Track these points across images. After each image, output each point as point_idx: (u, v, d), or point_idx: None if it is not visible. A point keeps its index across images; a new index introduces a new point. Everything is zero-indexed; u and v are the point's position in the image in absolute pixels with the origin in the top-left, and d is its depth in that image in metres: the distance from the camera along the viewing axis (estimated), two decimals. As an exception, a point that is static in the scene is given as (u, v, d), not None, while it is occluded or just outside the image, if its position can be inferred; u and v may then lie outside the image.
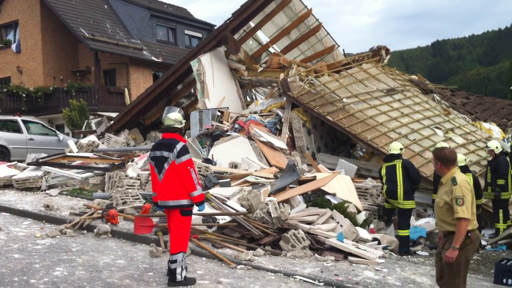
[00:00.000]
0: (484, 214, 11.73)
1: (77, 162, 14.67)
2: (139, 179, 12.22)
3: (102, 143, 17.50)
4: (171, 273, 6.53)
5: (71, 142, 17.24)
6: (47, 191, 12.94)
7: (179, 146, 6.53)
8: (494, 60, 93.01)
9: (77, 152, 15.99)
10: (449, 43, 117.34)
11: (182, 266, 6.54)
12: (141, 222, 8.49)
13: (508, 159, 11.66)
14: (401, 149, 10.34)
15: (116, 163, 13.97)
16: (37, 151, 16.65)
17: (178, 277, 6.51)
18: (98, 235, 9.01)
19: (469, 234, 5.45)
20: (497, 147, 11.53)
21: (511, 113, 20.39)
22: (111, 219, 9.47)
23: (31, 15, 30.81)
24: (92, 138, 17.63)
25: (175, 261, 6.51)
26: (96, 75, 29.84)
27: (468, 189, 5.46)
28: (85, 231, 9.30)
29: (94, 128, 21.23)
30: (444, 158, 5.62)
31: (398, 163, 9.99)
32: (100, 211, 9.88)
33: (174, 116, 6.87)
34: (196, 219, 8.78)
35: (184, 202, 6.54)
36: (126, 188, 11.49)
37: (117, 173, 12.65)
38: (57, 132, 19.59)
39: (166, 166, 6.53)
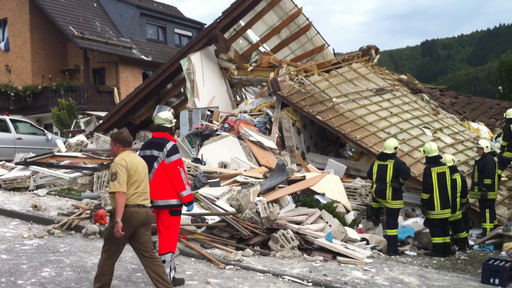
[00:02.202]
0: (471, 214, 11.81)
1: (66, 161, 14.58)
2: (128, 179, 12.15)
3: (91, 142, 17.39)
4: None
5: (59, 141, 17.13)
6: (35, 191, 12.84)
7: (169, 145, 6.51)
8: (483, 60, 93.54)
9: (65, 152, 15.89)
10: (439, 43, 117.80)
11: (170, 267, 6.52)
12: (130, 222, 8.43)
13: (495, 159, 11.74)
14: (395, 147, 10.29)
15: (105, 163, 13.89)
16: (25, 150, 16.50)
17: (170, 277, 6.49)
18: (87, 235, 8.96)
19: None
20: (487, 146, 11.62)
21: (499, 113, 20.49)
22: (99, 219, 9.41)
23: (20, 13, 30.60)
24: (81, 137, 17.52)
25: (163, 262, 6.49)
26: (85, 74, 29.69)
27: (123, 165, 5.80)
28: (73, 232, 9.25)
29: (83, 127, 21.10)
30: (123, 140, 6.06)
31: (390, 164, 10.00)
32: (88, 211, 9.82)
33: (164, 115, 6.86)
34: (185, 219, 8.76)
35: (173, 202, 6.52)
36: (115, 188, 11.42)
37: (106, 173, 12.58)
38: (46, 131, 19.44)
39: (155, 165, 6.50)
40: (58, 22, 28.90)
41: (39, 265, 7.17)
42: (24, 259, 7.45)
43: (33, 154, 15.33)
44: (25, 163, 14.08)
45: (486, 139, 15.43)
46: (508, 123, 13.18)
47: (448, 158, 10.73)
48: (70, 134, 20.44)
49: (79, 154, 15.36)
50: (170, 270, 6.52)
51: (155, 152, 6.53)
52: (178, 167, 6.49)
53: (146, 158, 6.59)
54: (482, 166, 11.41)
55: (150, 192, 6.54)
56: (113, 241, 5.87)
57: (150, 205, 6.11)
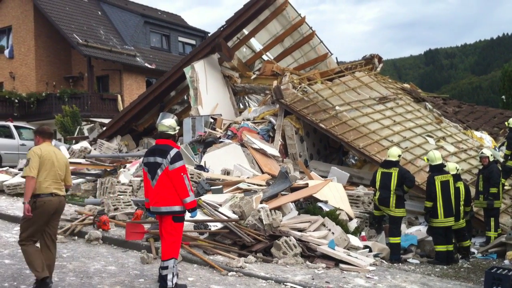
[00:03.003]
0: (475, 223, 11.79)
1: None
2: (131, 186, 12.20)
3: (95, 149, 17.46)
4: (162, 279, 6.52)
5: (63, 148, 17.17)
6: (38, 197, 12.86)
7: (172, 152, 6.53)
8: (486, 69, 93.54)
9: (69, 158, 15.94)
10: (442, 52, 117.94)
11: (173, 273, 6.52)
12: (133, 228, 8.48)
13: (499, 167, 11.73)
14: (399, 155, 10.34)
15: (108, 169, 13.95)
16: (29, 157, 16.55)
17: (169, 284, 6.49)
18: (89, 241, 8.99)
19: (35, 199, 6.26)
20: (491, 155, 11.63)
21: (502, 122, 20.45)
22: (102, 225, 9.45)
23: (25, 20, 30.77)
24: (84, 144, 17.59)
25: (166, 268, 6.49)
26: (89, 81, 29.80)
27: (37, 154, 6.36)
28: (76, 237, 9.28)
29: (86, 134, 21.17)
30: (42, 132, 6.77)
31: (395, 172, 10.00)
32: (91, 217, 9.86)
33: (168, 122, 6.88)
34: (187, 225, 8.78)
35: (177, 208, 6.53)
36: (118, 194, 11.46)
37: (109, 179, 12.62)
38: (49, 138, 19.47)
39: (159, 172, 6.52)
40: (63, 30, 29.05)
41: (42, 270, 7.18)
42: (26, 264, 7.46)
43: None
44: (29, 169, 14.08)
45: (489, 148, 15.43)
46: (511, 132, 13.17)
47: (452, 166, 10.74)
48: (74, 141, 20.50)
49: (82, 161, 15.42)
50: (173, 276, 6.52)
51: (159, 159, 6.54)
52: (182, 174, 6.50)
53: (150, 164, 6.62)
54: (487, 175, 11.38)
55: (153, 198, 6.58)
56: (27, 227, 6.33)
57: (64, 194, 6.56)
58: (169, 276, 6.49)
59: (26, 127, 20.21)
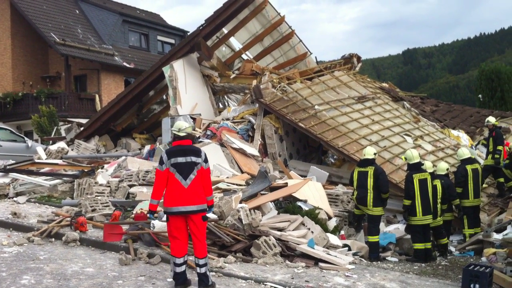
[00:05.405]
0: (454, 220, 11.93)
1: (46, 169, 14.45)
2: (109, 186, 12.10)
3: (72, 149, 17.27)
4: (203, 276, 6.65)
5: (40, 148, 16.98)
6: (14, 198, 12.70)
7: (203, 152, 6.83)
8: (463, 69, 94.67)
9: (46, 159, 15.76)
10: (420, 51, 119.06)
11: (209, 269, 6.77)
12: (111, 229, 8.42)
13: (469, 167, 11.75)
14: (374, 153, 10.43)
15: (85, 170, 13.81)
16: (5, 157, 16.34)
17: (211, 280, 6.70)
18: (67, 243, 8.87)
19: None
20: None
21: (479, 120, 20.74)
22: (80, 226, 9.33)
23: (1, 19, 30.34)
24: (62, 144, 17.39)
25: (205, 265, 6.67)
26: (67, 80, 29.51)
27: None
28: (53, 239, 9.14)
29: (63, 134, 20.93)
30: None
31: (371, 170, 10.07)
32: (68, 219, 9.73)
33: (187, 125, 7.13)
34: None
35: (205, 206, 6.79)
36: (96, 195, 11.35)
37: (87, 180, 12.49)
38: (26, 138, 19.27)
39: (195, 171, 6.69)
40: (40, 29, 28.72)
41: (19, 273, 7.08)
42: (3, 267, 7.34)
43: (13, 161, 15.18)
44: (5, 170, 13.93)
45: (465, 146, 15.60)
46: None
47: (428, 165, 10.87)
48: (51, 141, 20.26)
49: (59, 161, 15.25)
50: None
51: (194, 158, 6.70)
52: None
53: (182, 165, 6.67)
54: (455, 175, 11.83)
55: (183, 198, 6.63)
56: None
57: None
58: (209, 273, 6.70)
59: (2, 127, 19.89)
